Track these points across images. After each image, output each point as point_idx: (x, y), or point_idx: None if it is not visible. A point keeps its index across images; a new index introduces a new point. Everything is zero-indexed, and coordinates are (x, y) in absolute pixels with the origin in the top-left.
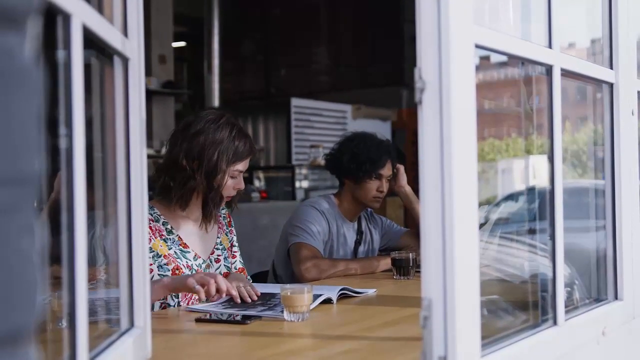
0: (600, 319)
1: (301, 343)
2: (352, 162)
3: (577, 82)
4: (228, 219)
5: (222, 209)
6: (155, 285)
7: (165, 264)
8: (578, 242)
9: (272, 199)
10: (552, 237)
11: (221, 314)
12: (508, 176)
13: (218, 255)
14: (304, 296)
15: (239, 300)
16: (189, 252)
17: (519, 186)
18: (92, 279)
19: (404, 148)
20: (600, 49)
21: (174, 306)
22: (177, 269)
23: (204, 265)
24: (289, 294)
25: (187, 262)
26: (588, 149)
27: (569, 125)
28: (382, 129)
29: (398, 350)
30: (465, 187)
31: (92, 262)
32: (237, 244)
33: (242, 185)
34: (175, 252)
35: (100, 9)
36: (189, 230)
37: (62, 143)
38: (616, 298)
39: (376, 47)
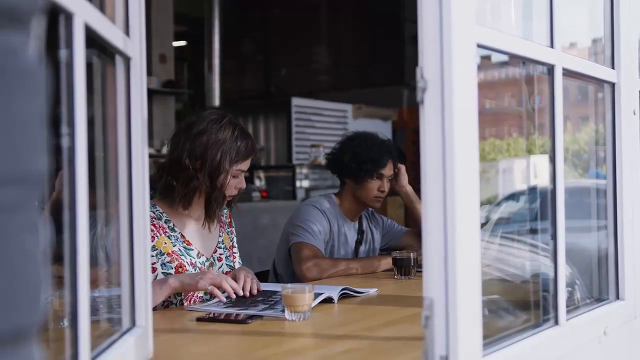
0: (602, 319)
1: (302, 342)
2: (353, 161)
3: (578, 81)
4: (229, 220)
5: (224, 209)
6: (161, 287)
7: (168, 262)
8: (579, 241)
9: (273, 198)
10: (554, 237)
11: (222, 314)
12: (509, 176)
13: (220, 254)
14: (305, 295)
15: (241, 293)
16: (193, 249)
17: (520, 186)
18: (94, 281)
19: (405, 147)
20: (602, 49)
21: (176, 305)
22: (181, 267)
23: (207, 263)
24: (290, 293)
25: (190, 259)
26: (589, 149)
27: (570, 125)
28: (382, 129)
29: (399, 350)
30: (467, 186)
31: (93, 261)
32: (236, 245)
33: (244, 185)
34: (179, 249)
35: (102, 8)
36: (191, 228)
37: (64, 142)
38: (617, 298)
39: (376, 47)
